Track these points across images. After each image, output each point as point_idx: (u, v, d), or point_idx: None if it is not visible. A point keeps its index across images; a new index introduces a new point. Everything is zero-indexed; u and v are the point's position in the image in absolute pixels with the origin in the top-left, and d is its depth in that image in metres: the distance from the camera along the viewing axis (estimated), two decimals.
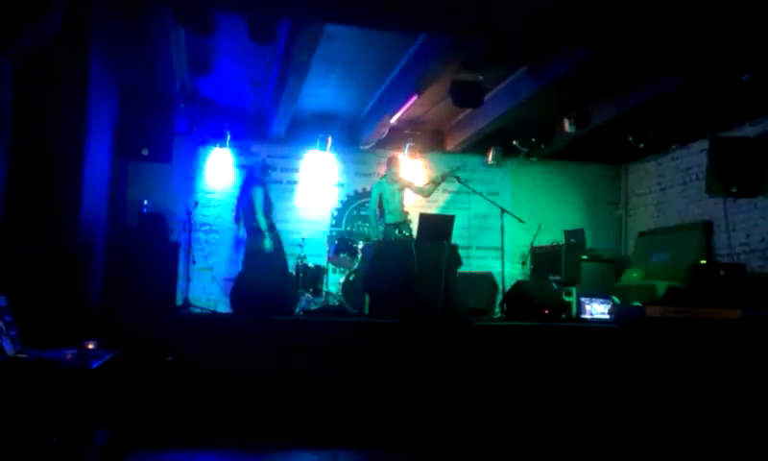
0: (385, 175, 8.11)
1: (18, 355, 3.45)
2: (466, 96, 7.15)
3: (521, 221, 7.95)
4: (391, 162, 8.04)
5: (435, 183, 7.99)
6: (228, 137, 9.20)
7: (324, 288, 8.29)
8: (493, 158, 9.99)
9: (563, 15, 5.72)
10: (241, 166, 9.23)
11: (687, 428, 5.12)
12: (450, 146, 9.97)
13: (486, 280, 7.65)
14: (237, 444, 4.68)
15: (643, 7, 5.62)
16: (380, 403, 5.04)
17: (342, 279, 8.32)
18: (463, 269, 7.08)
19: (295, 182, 9.76)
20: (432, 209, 9.37)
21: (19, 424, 3.11)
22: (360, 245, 8.16)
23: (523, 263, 9.70)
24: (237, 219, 7.90)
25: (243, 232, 7.78)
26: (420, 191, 8.14)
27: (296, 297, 7.26)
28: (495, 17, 5.74)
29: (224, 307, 8.04)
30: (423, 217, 6.78)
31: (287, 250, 8.09)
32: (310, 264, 8.28)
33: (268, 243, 7.41)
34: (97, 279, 5.84)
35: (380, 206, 7.93)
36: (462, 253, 7.07)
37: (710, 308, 5.81)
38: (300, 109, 8.61)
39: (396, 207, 7.86)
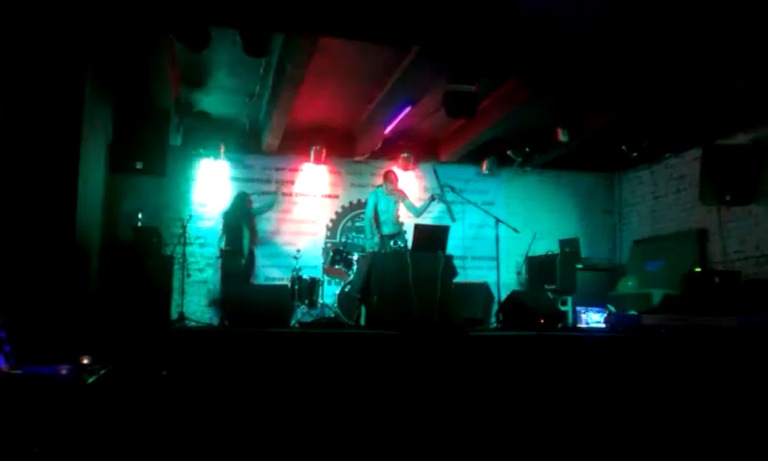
0: (381, 185, 8.13)
1: (12, 371, 3.42)
2: (459, 106, 7.14)
3: (516, 231, 7.95)
4: (387, 176, 8.07)
5: (424, 207, 8.07)
6: (223, 150, 9.20)
7: (320, 300, 8.28)
8: (488, 168, 10.02)
9: (552, 25, 5.75)
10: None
11: (684, 436, 5.11)
12: (445, 156, 9.99)
13: (481, 290, 7.63)
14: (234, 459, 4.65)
15: (635, 16, 5.66)
16: (377, 416, 5.02)
17: (337, 291, 8.32)
18: (458, 279, 7.08)
19: (289, 195, 9.75)
20: (427, 220, 9.38)
21: (14, 440, 3.09)
22: (355, 256, 8.16)
23: (518, 273, 9.72)
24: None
25: None
26: (412, 209, 8.16)
27: (291, 309, 7.24)
28: (485, 30, 5.77)
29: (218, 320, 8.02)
30: (418, 228, 6.79)
31: (282, 262, 8.82)
32: (305, 276, 8.27)
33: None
34: (91, 293, 5.82)
35: (376, 216, 7.95)
36: (457, 263, 7.08)
37: (706, 316, 5.82)
38: (294, 122, 8.62)
39: (391, 218, 7.90)
